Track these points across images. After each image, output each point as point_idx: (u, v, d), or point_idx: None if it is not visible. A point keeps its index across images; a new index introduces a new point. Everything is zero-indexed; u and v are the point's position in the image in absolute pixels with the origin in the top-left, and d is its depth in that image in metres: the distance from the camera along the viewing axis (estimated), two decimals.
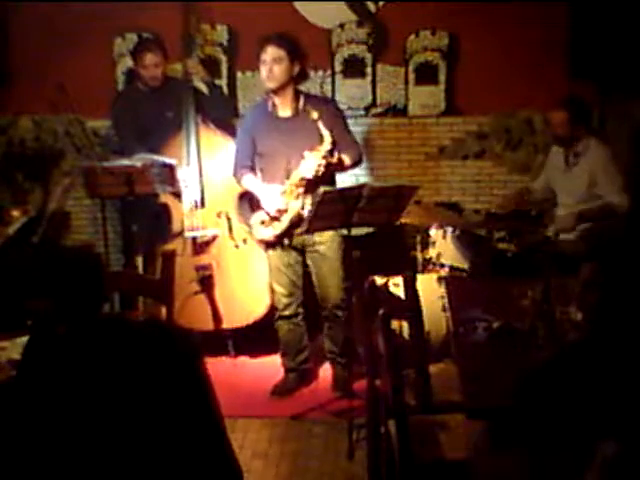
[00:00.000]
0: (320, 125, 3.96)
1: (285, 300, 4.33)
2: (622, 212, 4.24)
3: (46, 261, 2.18)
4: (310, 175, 4.01)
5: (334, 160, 4.06)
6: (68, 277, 2.15)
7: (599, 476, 1.90)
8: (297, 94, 4.18)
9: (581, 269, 2.33)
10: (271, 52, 4.05)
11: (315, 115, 3.95)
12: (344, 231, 3.99)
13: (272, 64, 4.05)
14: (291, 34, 4.24)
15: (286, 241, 4.21)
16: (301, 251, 4.28)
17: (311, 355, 4.51)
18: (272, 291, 4.43)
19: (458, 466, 2.62)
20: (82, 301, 2.15)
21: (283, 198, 4.09)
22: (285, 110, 4.18)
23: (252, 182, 4.27)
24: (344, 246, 4.18)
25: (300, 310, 4.39)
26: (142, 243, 4.78)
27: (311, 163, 4.00)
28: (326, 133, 3.98)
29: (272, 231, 4.17)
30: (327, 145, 4.00)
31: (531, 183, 4.87)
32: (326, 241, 4.19)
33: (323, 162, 4.00)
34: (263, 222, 4.20)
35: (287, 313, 4.35)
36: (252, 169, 4.27)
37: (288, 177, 4.08)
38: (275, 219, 4.14)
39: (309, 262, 4.30)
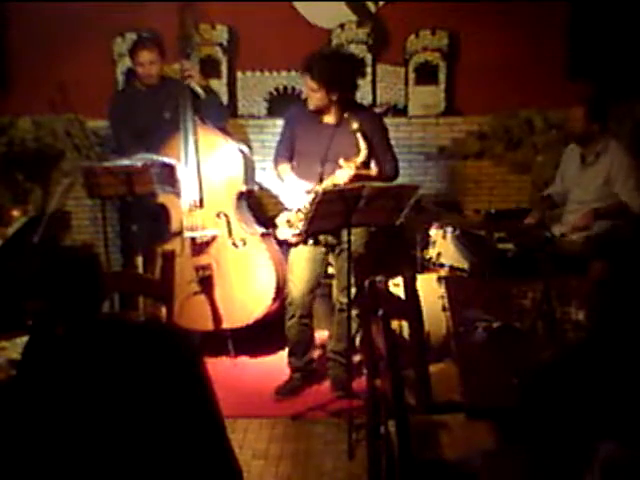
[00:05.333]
0: (359, 136, 4.01)
1: (301, 299, 4.27)
2: (634, 212, 4.28)
3: (43, 261, 2.18)
4: (342, 183, 4.03)
5: (365, 173, 4.10)
6: (65, 277, 2.14)
7: (599, 476, 1.90)
8: (343, 103, 4.18)
9: (591, 268, 2.32)
10: (308, 82, 4.08)
11: (355, 125, 4.00)
12: (372, 228, 4.08)
13: (310, 91, 4.10)
14: (332, 63, 4.14)
15: (311, 241, 4.14)
16: (327, 248, 4.25)
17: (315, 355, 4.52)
18: (279, 289, 4.40)
19: (458, 466, 2.61)
20: (80, 301, 2.15)
21: (308, 197, 4.08)
22: (329, 117, 4.19)
23: (283, 172, 4.31)
24: (369, 243, 4.22)
25: (312, 310, 4.38)
26: (142, 243, 4.78)
27: (346, 172, 4.04)
28: (363, 145, 4.02)
29: (296, 232, 4.11)
30: (362, 157, 4.05)
31: (550, 189, 4.79)
32: (356, 239, 4.12)
33: (354, 172, 4.04)
34: (289, 221, 4.16)
35: (301, 313, 4.30)
36: (290, 160, 4.31)
37: (320, 181, 4.09)
38: (299, 211, 4.10)
39: (333, 258, 4.28)
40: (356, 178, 4.04)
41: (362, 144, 4.01)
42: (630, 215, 4.27)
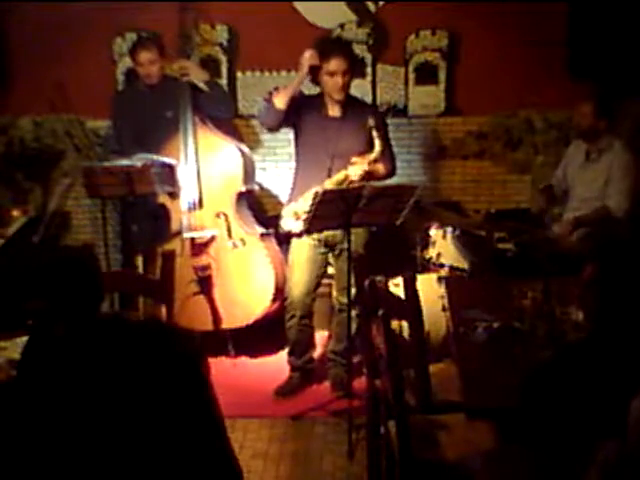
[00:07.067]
0: (374, 132, 4.03)
1: (302, 298, 4.27)
2: (617, 216, 4.29)
3: (43, 261, 2.18)
4: (356, 178, 4.06)
5: (376, 171, 4.14)
6: (62, 277, 2.14)
7: (599, 476, 1.90)
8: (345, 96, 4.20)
9: (584, 269, 2.32)
10: (339, 64, 4.06)
11: (371, 122, 4.02)
12: (373, 227, 4.10)
13: (340, 76, 4.08)
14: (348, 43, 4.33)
15: (315, 235, 4.15)
16: (328, 247, 4.25)
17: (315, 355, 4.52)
18: (278, 289, 4.40)
19: (458, 466, 2.61)
20: (79, 301, 2.15)
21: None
22: (334, 110, 4.20)
23: None
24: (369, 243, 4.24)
25: (312, 310, 4.38)
26: (142, 243, 4.78)
27: (359, 168, 4.07)
28: (378, 142, 4.04)
29: (302, 225, 4.05)
30: (376, 154, 4.08)
31: (552, 180, 4.80)
32: (356, 239, 4.09)
33: (367, 168, 4.07)
34: (296, 214, 4.15)
35: (301, 313, 4.30)
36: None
37: (329, 176, 4.10)
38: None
39: (332, 259, 4.29)
40: (367, 175, 4.07)
41: (377, 141, 4.04)
42: (612, 221, 4.29)
